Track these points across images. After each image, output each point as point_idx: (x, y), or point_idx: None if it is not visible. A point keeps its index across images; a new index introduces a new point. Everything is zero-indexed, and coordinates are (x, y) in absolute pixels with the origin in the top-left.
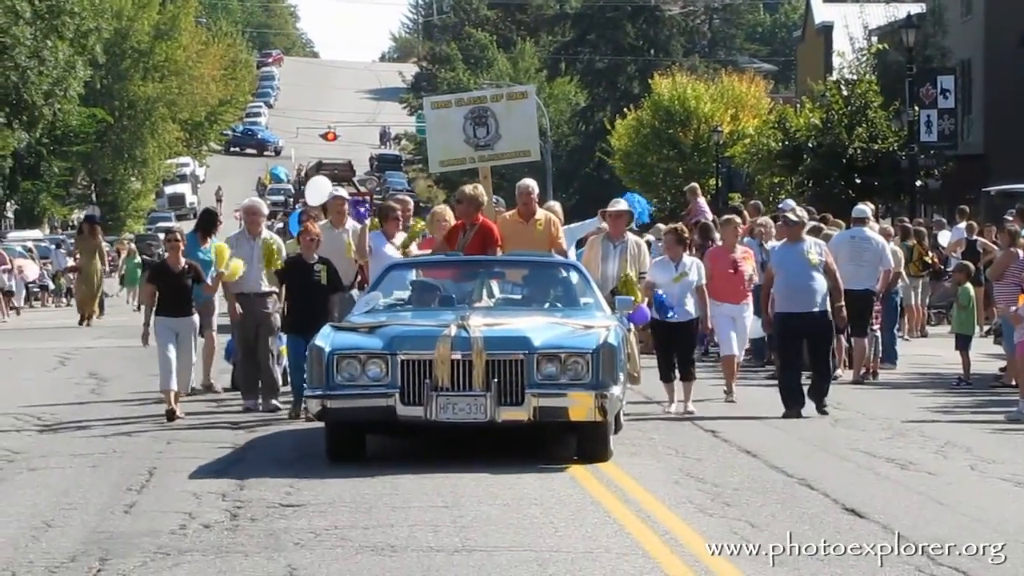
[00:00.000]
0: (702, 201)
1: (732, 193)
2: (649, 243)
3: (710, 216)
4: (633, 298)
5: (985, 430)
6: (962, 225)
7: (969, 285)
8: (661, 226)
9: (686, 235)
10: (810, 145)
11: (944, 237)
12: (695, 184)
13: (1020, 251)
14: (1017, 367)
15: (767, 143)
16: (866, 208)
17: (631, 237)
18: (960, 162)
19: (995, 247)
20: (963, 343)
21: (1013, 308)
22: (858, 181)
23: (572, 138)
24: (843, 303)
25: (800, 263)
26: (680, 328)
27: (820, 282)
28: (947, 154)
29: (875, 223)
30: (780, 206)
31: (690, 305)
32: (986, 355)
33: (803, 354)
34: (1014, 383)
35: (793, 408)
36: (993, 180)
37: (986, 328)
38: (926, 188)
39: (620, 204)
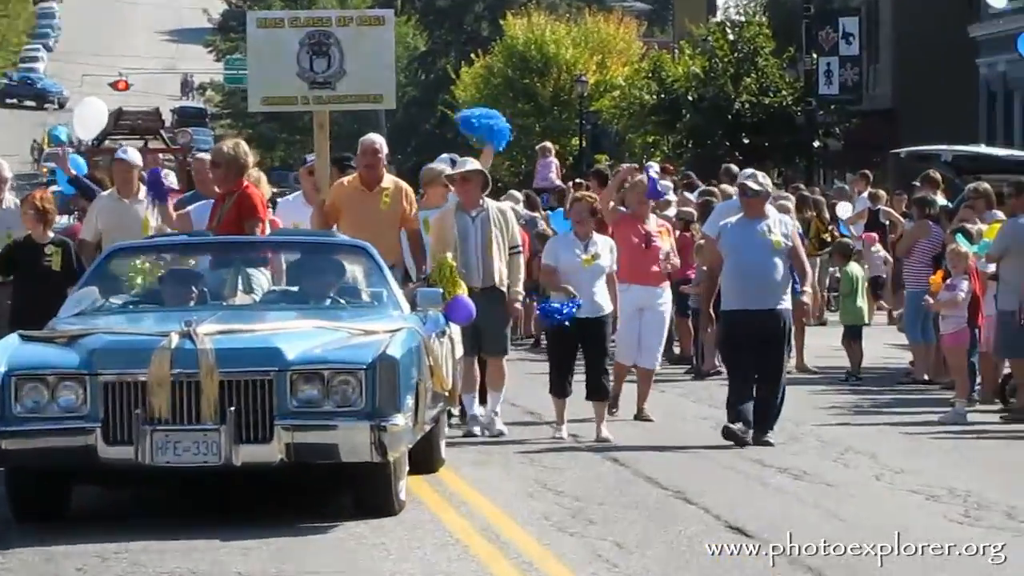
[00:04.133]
0: (551, 162)
1: (599, 155)
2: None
3: (557, 180)
4: (442, 289)
5: (893, 433)
6: (865, 194)
7: (853, 267)
8: (515, 193)
9: (598, 205)
10: (690, 98)
11: (844, 209)
12: (548, 143)
13: (932, 223)
14: (952, 360)
15: (640, 96)
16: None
17: (491, 204)
18: (866, 119)
19: (902, 219)
20: (851, 335)
21: (928, 298)
22: (746, 141)
23: (410, 89)
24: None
25: (760, 246)
26: (589, 328)
27: (783, 271)
28: (850, 109)
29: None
30: (646, 168)
31: (602, 297)
32: (894, 345)
33: (753, 368)
34: (927, 377)
35: (744, 434)
36: (904, 140)
37: (896, 314)
38: (826, 149)
39: (471, 163)
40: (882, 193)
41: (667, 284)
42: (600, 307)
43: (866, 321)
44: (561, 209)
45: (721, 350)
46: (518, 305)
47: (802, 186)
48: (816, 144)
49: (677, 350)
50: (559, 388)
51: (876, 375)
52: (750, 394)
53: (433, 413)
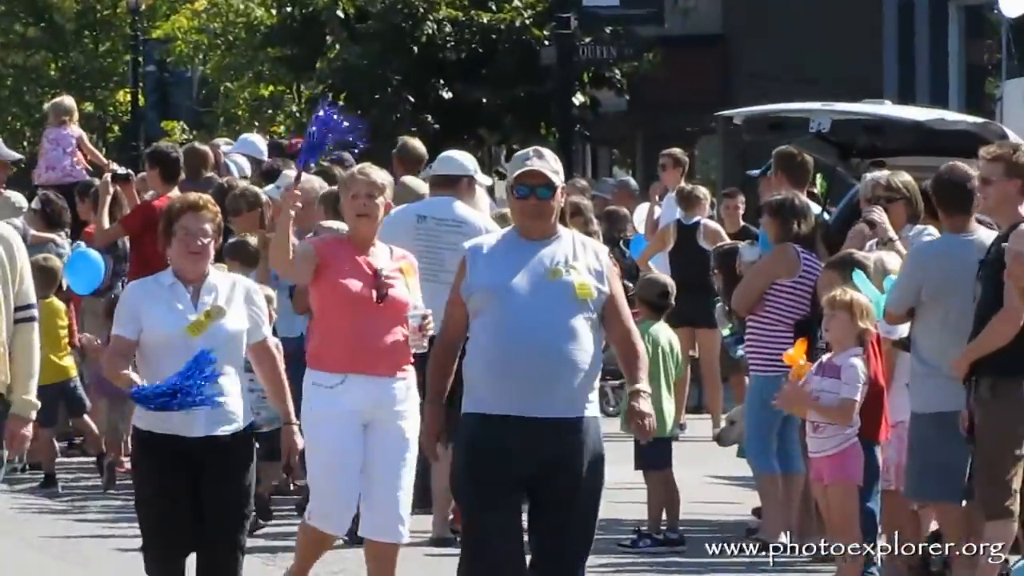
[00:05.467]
0: (68, 134)
1: (168, 121)
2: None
3: (78, 164)
4: None
5: None
6: (672, 194)
7: (660, 330)
8: (12, 195)
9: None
10: (341, 15)
11: (639, 219)
12: (65, 99)
13: (799, 249)
14: (833, 505)
15: (247, 10)
16: (463, 159)
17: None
18: (672, 54)
19: (736, 241)
20: (652, 456)
21: (787, 386)
22: (447, 95)
23: None
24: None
25: (545, 293)
26: (208, 455)
27: (589, 345)
28: (642, 36)
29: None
30: (227, 152)
31: (231, 396)
32: (723, 479)
33: (517, 515)
34: (785, 540)
35: None
36: (742, 93)
37: (723, 420)
38: (595, 111)
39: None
40: (702, 192)
41: (412, 371)
42: (228, 415)
43: (674, 431)
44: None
45: (457, 494)
46: (27, 431)
47: None
48: (579, 100)
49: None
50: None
51: (693, 534)
52: None
53: None
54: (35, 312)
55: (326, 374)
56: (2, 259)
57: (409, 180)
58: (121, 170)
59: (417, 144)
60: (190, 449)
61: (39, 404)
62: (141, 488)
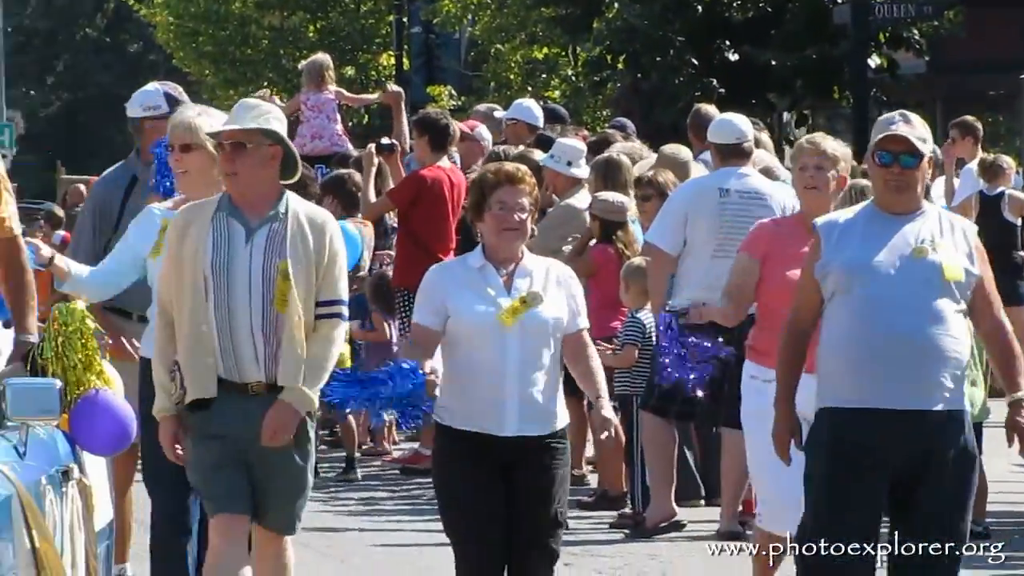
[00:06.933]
0: (329, 99)
1: (435, 86)
2: None
3: (343, 136)
4: (59, 381)
5: None
6: (972, 164)
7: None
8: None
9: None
10: None
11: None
12: (321, 57)
13: None
14: None
15: None
16: (744, 124)
17: (295, 205)
18: (975, 9)
19: None
20: None
21: None
22: (733, 57)
23: (29, 19)
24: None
25: (913, 275)
26: (524, 460)
27: (957, 331)
28: None
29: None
30: (501, 119)
31: (548, 393)
32: None
33: (878, 518)
34: None
35: None
36: None
37: None
38: (891, 74)
39: (267, 113)
40: (1006, 162)
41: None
42: (543, 413)
43: (983, 415)
44: None
45: (815, 495)
46: (289, 424)
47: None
48: (874, 62)
49: (591, 480)
50: None
51: (1000, 527)
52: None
53: None
54: (341, 309)
55: (766, 369)
56: (307, 240)
57: (670, 149)
58: (385, 140)
59: (712, 111)
60: (500, 449)
61: (316, 404)
62: (450, 492)
